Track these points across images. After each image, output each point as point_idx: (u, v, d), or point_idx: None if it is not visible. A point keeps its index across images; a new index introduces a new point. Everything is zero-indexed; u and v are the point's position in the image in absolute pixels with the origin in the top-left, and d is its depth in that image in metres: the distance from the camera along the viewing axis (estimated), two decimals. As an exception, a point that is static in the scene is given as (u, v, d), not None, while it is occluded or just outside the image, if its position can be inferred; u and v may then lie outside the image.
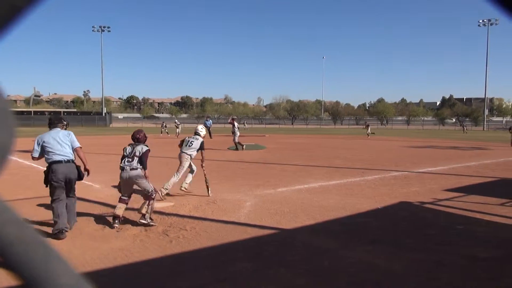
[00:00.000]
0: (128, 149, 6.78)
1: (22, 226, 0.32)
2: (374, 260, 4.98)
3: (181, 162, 9.22)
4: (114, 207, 7.55)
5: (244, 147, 20.44)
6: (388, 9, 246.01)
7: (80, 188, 9.51)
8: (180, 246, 5.46)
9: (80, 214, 7.09)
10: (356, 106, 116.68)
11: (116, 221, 6.43)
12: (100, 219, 6.76)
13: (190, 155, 9.20)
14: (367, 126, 37.86)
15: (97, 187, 9.62)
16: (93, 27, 70.00)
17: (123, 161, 6.69)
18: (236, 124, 21.06)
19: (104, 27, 69.83)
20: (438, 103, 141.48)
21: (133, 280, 4.44)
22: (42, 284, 0.32)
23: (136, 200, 7.92)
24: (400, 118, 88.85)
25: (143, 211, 6.44)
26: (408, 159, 16.79)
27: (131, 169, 6.58)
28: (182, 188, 8.94)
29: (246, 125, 48.07)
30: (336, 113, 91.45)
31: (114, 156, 17.65)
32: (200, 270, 4.66)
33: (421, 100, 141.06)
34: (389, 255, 5.16)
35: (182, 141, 9.41)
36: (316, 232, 6.21)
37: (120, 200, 6.65)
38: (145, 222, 6.41)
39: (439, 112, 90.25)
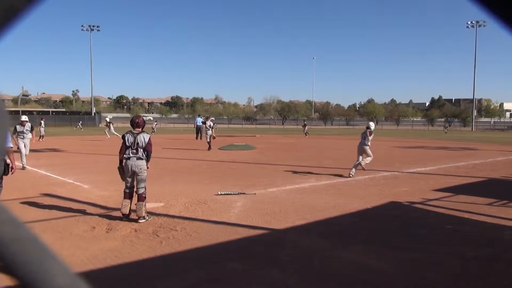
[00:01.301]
0: (130, 138, 6.70)
1: (17, 225, 0.32)
2: (365, 260, 5.01)
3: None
4: (103, 207, 7.54)
5: (210, 148, 20.70)
6: (377, 10, 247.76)
7: (69, 188, 9.47)
8: (171, 247, 5.44)
9: (69, 215, 7.04)
10: (346, 106, 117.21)
11: (124, 218, 6.63)
12: (89, 220, 6.71)
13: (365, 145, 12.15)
14: (304, 125, 38.94)
15: (86, 188, 9.55)
16: (82, 26, 69.39)
17: (127, 151, 6.65)
18: (207, 123, 21.41)
19: (93, 26, 69.25)
20: (427, 104, 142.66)
21: (123, 281, 4.42)
22: (38, 284, 0.31)
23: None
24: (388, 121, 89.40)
25: (143, 214, 6.59)
26: (398, 159, 16.92)
27: (137, 159, 6.63)
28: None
29: (155, 127, 47.12)
30: (326, 113, 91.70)
31: (103, 157, 17.56)
32: (190, 271, 4.64)
33: (411, 100, 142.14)
34: (380, 255, 5.19)
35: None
36: (306, 232, 6.22)
37: (124, 195, 6.69)
38: (144, 220, 6.59)
39: (428, 112, 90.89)
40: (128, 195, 6.69)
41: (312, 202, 8.10)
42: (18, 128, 12.96)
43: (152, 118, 38.44)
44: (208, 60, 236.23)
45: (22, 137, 13.07)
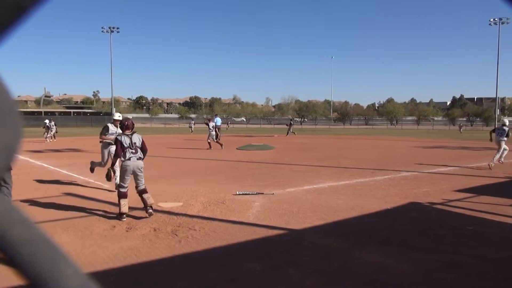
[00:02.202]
0: (126, 140, 6.91)
1: (29, 226, 0.32)
2: (384, 260, 4.95)
3: None
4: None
5: (210, 148, 21.10)
6: (397, 9, 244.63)
7: (90, 188, 9.62)
8: (189, 246, 5.47)
9: (90, 214, 7.15)
10: (365, 106, 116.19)
11: (124, 215, 6.79)
12: (109, 219, 6.81)
13: None
14: (291, 125, 38.30)
15: (106, 187, 9.68)
16: (102, 28, 70.32)
17: (126, 153, 6.86)
18: (210, 124, 21.59)
19: (113, 28, 70.13)
20: (448, 103, 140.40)
21: (142, 279, 4.46)
22: (48, 285, 0.32)
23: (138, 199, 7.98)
24: (410, 118, 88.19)
25: (151, 201, 6.91)
26: (418, 159, 16.68)
27: (137, 159, 6.90)
28: None
29: (228, 125, 47.50)
30: (345, 113, 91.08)
31: (123, 156, 17.77)
32: (209, 270, 4.66)
33: (431, 100, 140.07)
34: (399, 255, 5.12)
35: None
36: (325, 232, 6.18)
37: (122, 195, 6.85)
38: (151, 211, 6.90)
39: (450, 112, 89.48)
40: (125, 194, 6.87)
41: (330, 203, 8.05)
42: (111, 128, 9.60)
43: (192, 118, 40.09)
44: (227, 61, 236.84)
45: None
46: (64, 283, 0.32)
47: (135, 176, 6.91)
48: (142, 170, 6.96)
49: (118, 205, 6.85)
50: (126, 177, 6.90)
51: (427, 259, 5.02)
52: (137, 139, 7.00)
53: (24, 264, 0.31)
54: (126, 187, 6.90)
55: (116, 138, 7.08)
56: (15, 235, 0.31)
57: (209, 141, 21.31)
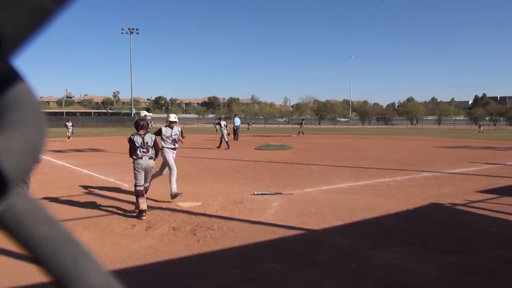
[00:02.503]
0: (139, 139, 7.21)
1: (53, 224, 0.33)
2: (404, 262, 4.88)
3: None
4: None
5: (227, 146, 21.39)
6: (417, 8, 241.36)
7: (111, 187, 9.75)
8: (208, 246, 5.50)
9: (110, 213, 7.25)
10: (384, 105, 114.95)
11: (144, 213, 6.93)
12: (129, 218, 6.89)
13: None
14: (301, 124, 38.30)
15: (127, 186, 9.81)
16: (122, 29, 71.29)
17: (138, 151, 7.16)
18: (222, 123, 22.02)
19: (132, 29, 71.04)
20: (470, 102, 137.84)
21: (161, 278, 4.50)
22: (73, 282, 0.32)
23: (163, 200, 8.07)
24: (430, 117, 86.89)
25: (143, 207, 7.00)
26: (439, 159, 16.42)
27: (149, 158, 7.23)
28: None
29: (250, 126, 47.84)
30: (364, 113, 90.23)
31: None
32: (227, 270, 4.68)
33: (453, 99, 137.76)
34: (419, 257, 5.05)
35: None
36: (344, 233, 6.14)
37: (139, 193, 7.09)
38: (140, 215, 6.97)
39: (472, 111, 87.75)
40: (142, 192, 7.15)
41: (349, 203, 7.99)
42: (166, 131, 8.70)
43: (250, 121, 42.23)
44: (245, 61, 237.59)
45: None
46: (87, 280, 0.33)
47: (146, 174, 7.26)
48: (152, 169, 7.35)
49: (137, 203, 7.06)
50: (139, 175, 7.18)
51: (448, 260, 4.93)
52: (149, 138, 7.27)
53: (48, 261, 0.32)
54: (142, 185, 7.18)
55: (129, 137, 7.34)
56: (40, 234, 0.32)
57: (227, 140, 21.54)
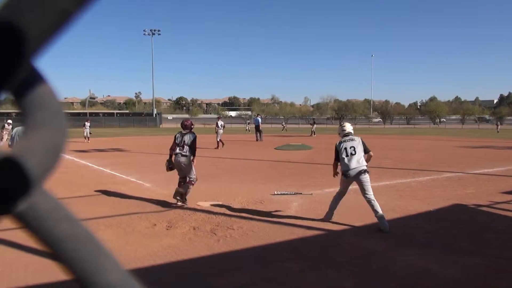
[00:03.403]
0: (179, 137, 7.96)
1: (74, 223, 0.34)
2: (426, 264, 4.81)
3: None
4: (164, 205, 7.82)
5: (223, 145, 21.76)
6: (439, 7, 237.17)
7: (132, 187, 9.88)
8: (227, 245, 5.52)
9: (132, 212, 7.35)
10: (406, 105, 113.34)
11: (180, 199, 7.68)
12: (150, 217, 6.97)
13: None
14: (314, 124, 38.21)
15: (148, 186, 9.93)
16: (144, 30, 72.23)
17: (177, 148, 7.87)
18: (219, 123, 22.59)
19: (154, 30, 71.88)
20: (495, 101, 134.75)
21: (182, 277, 4.54)
22: (92, 279, 0.33)
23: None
24: (454, 117, 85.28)
25: (185, 191, 7.71)
26: (463, 159, 16.10)
27: (182, 156, 7.80)
28: None
29: (285, 125, 48.00)
30: (385, 112, 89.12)
31: (164, 156, 18.12)
32: (246, 269, 4.69)
33: (477, 98, 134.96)
34: (442, 259, 4.96)
35: None
36: (364, 233, 6.08)
37: (179, 184, 7.91)
38: (181, 202, 7.68)
39: (497, 110, 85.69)
40: (180, 184, 7.89)
41: (370, 203, 7.89)
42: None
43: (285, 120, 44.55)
44: (265, 61, 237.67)
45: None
46: (107, 278, 0.34)
47: (183, 169, 7.89)
48: (185, 166, 7.83)
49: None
50: (178, 170, 7.96)
51: (472, 263, 4.84)
52: (188, 138, 7.90)
53: (69, 259, 0.33)
54: (181, 177, 7.98)
55: (175, 135, 8.11)
56: (61, 232, 0.33)
57: (218, 140, 22.14)
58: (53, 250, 0.33)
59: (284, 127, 47.84)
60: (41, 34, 0.28)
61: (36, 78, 0.31)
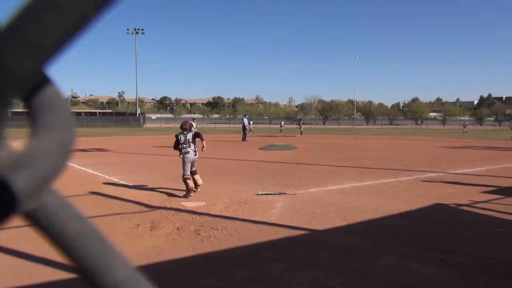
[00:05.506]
0: (182, 137, 8.97)
1: (82, 221, 0.35)
2: (408, 263, 4.88)
3: None
4: (147, 206, 7.77)
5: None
6: (421, 8, 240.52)
7: (115, 187, 9.79)
8: (212, 246, 5.51)
9: (114, 213, 7.28)
10: (389, 105, 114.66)
11: (191, 192, 8.68)
12: (133, 218, 6.91)
13: None
14: (299, 124, 39.02)
15: (130, 186, 9.84)
16: (127, 29, 71.53)
17: (184, 147, 8.91)
18: (194, 124, 22.23)
19: (138, 29, 71.25)
20: (475, 102, 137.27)
21: (165, 278, 4.52)
22: (101, 276, 0.34)
23: (169, 200, 8.11)
24: (434, 114, 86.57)
25: (200, 181, 9.05)
26: (444, 160, 16.36)
27: (191, 152, 8.92)
28: None
29: (282, 127, 47.64)
30: (368, 113, 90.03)
31: (146, 156, 18.02)
32: (231, 270, 4.69)
33: (458, 99, 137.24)
34: (424, 258, 5.04)
35: None
36: (348, 233, 6.13)
37: (186, 179, 8.76)
38: (198, 189, 9.08)
39: (477, 111, 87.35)
40: (189, 178, 8.81)
41: (353, 203, 7.98)
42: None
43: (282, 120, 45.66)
44: (250, 61, 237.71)
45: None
46: (116, 274, 0.35)
47: (192, 164, 8.94)
48: (196, 159, 9.05)
49: (186, 186, 8.64)
50: (186, 166, 8.82)
51: (453, 262, 4.92)
52: (190, 136, 8.97)
53: (78, 256, 0.34)
54: (188, 175, 8.81)
55: (176, 135, 9.05)
56: (70, 230, 0.34)
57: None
58: (63, 248, 0.33)
59: (281, 127, 47.03)
60: (57, 40, 0.28)
61: (44, 80, 0.32)
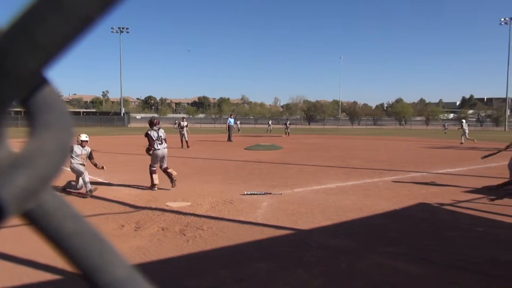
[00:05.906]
0: (154, 134, 9.20)
1: (80, 220, 0.35)
2: (392, 262, 4.93)
3: None
4: (132, 206, 7.72)
5: (182, 146, 22.10)
6: (405, 10, 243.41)
7: (99, 187, 9.68)
8: (197, 246, 5.49)
9: (99, 213, 7.21)
10: (373, 106, 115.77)
11: (155, 186, 9.07)
12: (118, 218, 6.86)
13: None
14: (286, 124, 39.21)
15: (115, 186, 9.75)
16: (112, 28, 70.86)
17: (155, 143, 9.15)
18: (182, 123, 23.08)
19: (122, 28, 70.63)
20: (458, 103, 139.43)
21: (150, 279, 4.48)
22: (99, 275, 0.34)
23: (154, 200, 8.06)
24: (418, 118, 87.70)
25: (174, 174, 9.25)
26: (427, 159, 16.58)
27: (164, 148, 9.29)
28: None
29: (270, 125, 47.76)
30: (353, 113, 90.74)
31: (131, 156, 17.84)
32: (216, 270, 4.68)
33: (441, 100, 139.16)
34: (408, 257, 5.10)
35: None
36: (333, 233, 6.18)
37: (153, 172, 9.15)
38: (175, 183, 9.26)
39: (459, 112, 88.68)
40: (155, 171, 9.16)
41: (338, 203, 8.03)
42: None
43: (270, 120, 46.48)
44: (235, 61, 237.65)
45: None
46: (113, 273, 0.35)
47: (162, 159, 9.27)
48: (166, 155, 9.33)
49: (151, 180, 9.08)
50: (156, 161, 9.18)
51: (436, 261, 4.99)
52: (162, 133, 9.30)
53: (76, 255, 0.34)
54: (155, 168, 9.20)
55: (146, 133, 9.31)
56: (68, 229, 0.34)
57: (187, 140, 22.35)
58: (60, 247, 0.34)
59: (269, 127, 47.04)
60: (61, 41, 0.28)
61: (42, 80, 0.32)
